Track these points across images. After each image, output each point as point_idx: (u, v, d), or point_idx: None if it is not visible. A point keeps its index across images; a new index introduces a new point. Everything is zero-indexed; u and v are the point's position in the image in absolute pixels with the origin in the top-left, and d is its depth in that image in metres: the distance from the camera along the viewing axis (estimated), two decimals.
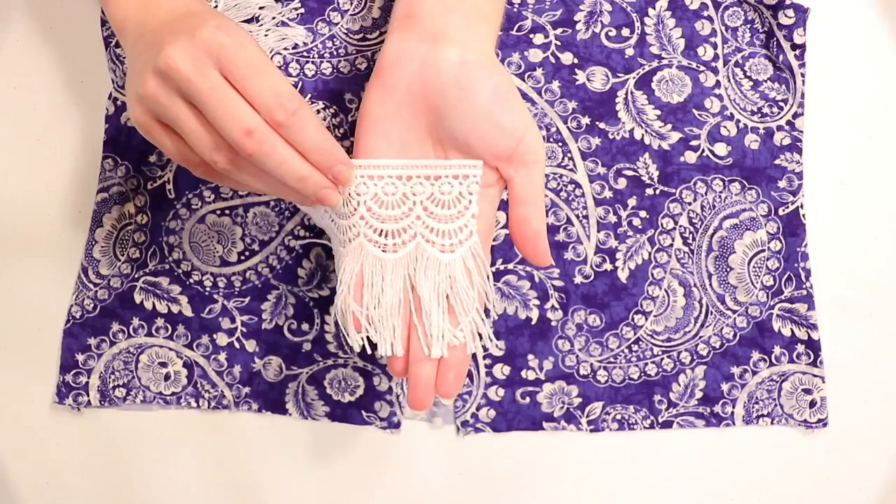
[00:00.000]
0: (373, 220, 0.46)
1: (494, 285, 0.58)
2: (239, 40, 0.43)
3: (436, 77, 0.45)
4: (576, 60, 0.59)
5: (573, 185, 0.58)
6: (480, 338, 0.47)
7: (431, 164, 0.46)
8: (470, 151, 0.45)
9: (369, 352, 0.49)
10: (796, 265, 0.59)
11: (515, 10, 0.58)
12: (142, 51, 0.44)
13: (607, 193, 0.58)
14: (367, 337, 0.46)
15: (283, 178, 0.43)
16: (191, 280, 0.58)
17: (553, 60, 0.58)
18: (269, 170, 0.43)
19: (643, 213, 0.58)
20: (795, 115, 0.59)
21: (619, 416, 0.58)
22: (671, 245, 0.59)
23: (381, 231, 0.46)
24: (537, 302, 0.58)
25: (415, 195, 0.46)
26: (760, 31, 0.60)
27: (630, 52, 0.59)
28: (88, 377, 0.58)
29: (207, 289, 0.58)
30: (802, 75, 0.59)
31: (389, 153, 0.46)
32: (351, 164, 0.45)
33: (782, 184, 0.59)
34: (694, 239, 0.59)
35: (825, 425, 0.58)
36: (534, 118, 0.53)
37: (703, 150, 0.59)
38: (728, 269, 0.59)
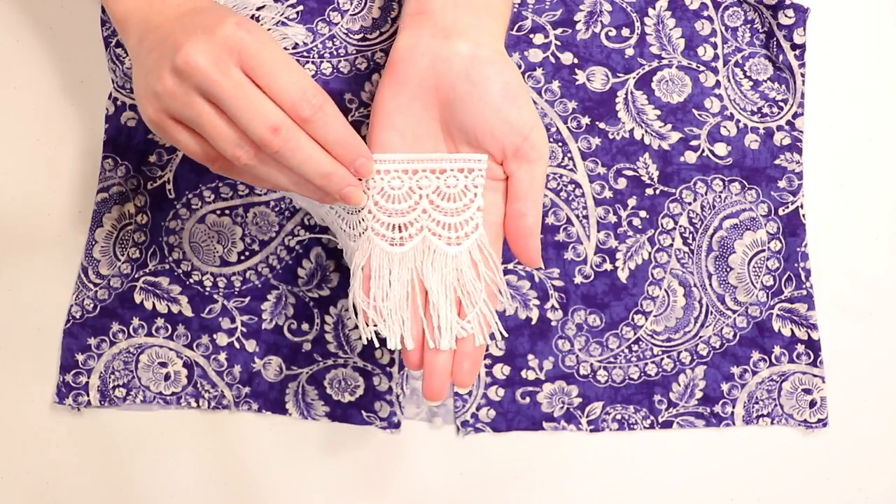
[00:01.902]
0: (380, 213, 0.47)
1: None
2: (259, 37, 0.43)
3: (448, 71, 0.45)
4: (576, 60, 0.59)
5: (573, 185, 0.58)
6: (492, 337, 0.47)
7: (437, 157, 0.46)
8: (479, 145, 0.46)
9: (377, 345, 0.49)
10: (796, 265, 0.59)
11: (515, 9, 0.58)
12: (151, 48, 0.44)
13: (607, 193, 0.58)
14: (378, 331, 0.47)
15: (307, 175, 0.44)
16: (191, 280, 0.58)
17: (553, 60, 0.58)
18: (293, 166, 0.43)
19: (643, 213, 0.58)
20: (795, 115, 0.59)
21: (619, 416, 0.58)
22: (671, 245, 0.59)
23: (389, 225, 0.47)
24: (537, 302, 0.58)
25: (421, 189, 0.47)
26: (760, 31, 0.60)
27: (630, 52, 0.59)
28: (88, 377, 0.58)
29: (207, 289, 0.58)
30: (802, 75, 0.59)
31: (402, 147, 0.47)
32: (371, 157, 0.46)
33: (782, 184, 0.59)
34: (694, 239, 0.59)
35: (825, 425, 0.58)
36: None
37: (703, 150, 0.59)
38: (728, 269, 0.59)
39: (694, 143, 0.59)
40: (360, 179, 0.45)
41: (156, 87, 0.43)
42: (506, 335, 0.58)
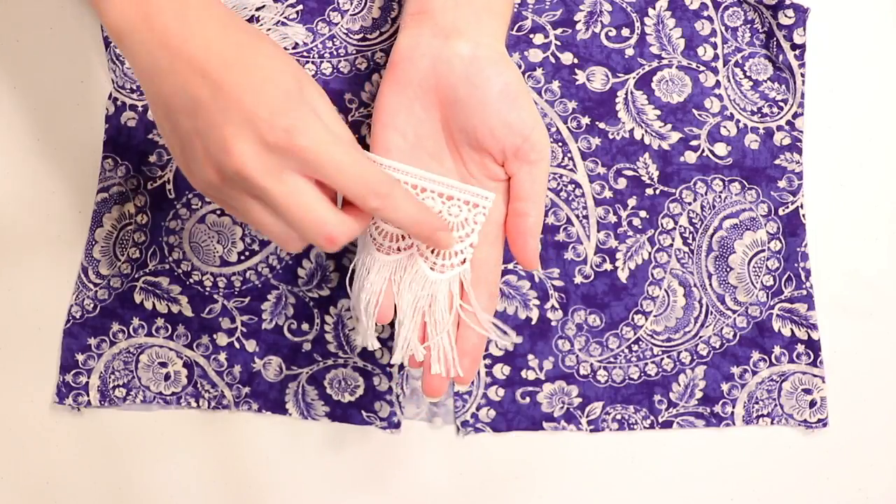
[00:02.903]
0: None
1: None
2: (312, 139, 0.40)
3: (448, 72, 0.45)
4: (576, 60, 0.59)
5: (573, 185, 0.58)
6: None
7: (447, 183, 0.46)
8: (479, 146, 0.46)
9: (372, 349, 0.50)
10: (796, 265, 0.59)
11: (515, 9, 0.58)
12: (162, 83, 0.41)
13: (607, 193, 0.58)
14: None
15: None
16: (191, 280, 0.58)
17: (553, 60, 0.58)
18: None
19: (643, 213, 0.58)
20: (795, 115, 0.59)
21: (619, 416, 0.58)
22: (671, 245, 0.59)
23: (383, 231, 0.47)
24: (537, 302, 0.58)
25: None
26: (760, 31, 0.60)
27: (630, 52, 0.59)
28: (88, 377, 0.58)
29: (207, 289, 0.58)
30: (802, 75, 0.59)
31: (404, 147, 0.46)
32: (448, 229, 0.45)
33: (782, 184, 0.59)
34: (694, 239, 0.59)
35: (825, 425, 0.58)
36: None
37: (703, 150, 0.59)
38: (728, 269, 0.59)
39: (694, 143, 0.59)
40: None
41: (204, 177, 0.41)
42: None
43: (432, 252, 0.47)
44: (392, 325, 0.56)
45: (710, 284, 0.59)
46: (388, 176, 0.42)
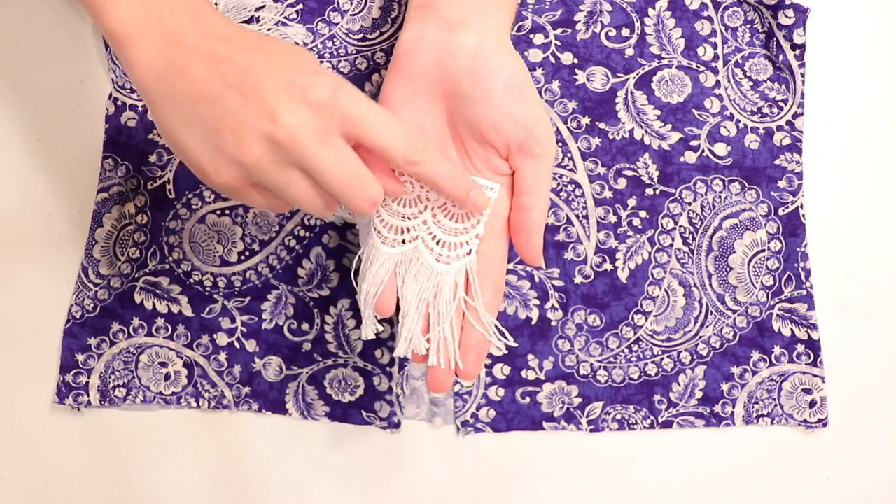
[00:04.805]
0: (383, 211, 0.47)
1: None
2: (354, 95, 0.41)
3: (452, 65, 0.45)
4: (576, 60, 0.59)
5: (573, 185, 0.58)
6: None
7: None
8: (483, 140, 0.46)
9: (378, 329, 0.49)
10: (796, 265, 0.59)
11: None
12: (196, 95, 0.40)
13: (607, 193, 0.58)
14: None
15: None
16: (191, 280, 0.58)
17: (553, 60, 0.58)
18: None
19: (643, 213, 0.58)
20: (795, 115, 0.60)
21: (619, 416, 0.58)
22: (671, 245, 0.59)
23: (388, 224, 0.47)
24: (537, 302, 0.58)
25: (429, 200, 0.47)
26: (760, 31, 0.60)
27: (630, 52, 0.59)
28: (88, 377, 0.58)
29: (207, 289, 0.58)
30: (802, 75, 0.59)
31: None
32: (481, 188, 0.45)
33: (782, 184, 0.59)
34: (694, 239, 0.59)
35: (825, 425, 0.58)
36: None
37: (703, 150, 0.59)
38: (728, 269, 0.59)
39: (694, 143, 0.59)
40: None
41: (239, 156, 0.40)
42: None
43: (437, 243, 0.47)
44: (390, 321, 0.56)
45: (710, 284, 0.59)
46: (419, 131, 0.43)
